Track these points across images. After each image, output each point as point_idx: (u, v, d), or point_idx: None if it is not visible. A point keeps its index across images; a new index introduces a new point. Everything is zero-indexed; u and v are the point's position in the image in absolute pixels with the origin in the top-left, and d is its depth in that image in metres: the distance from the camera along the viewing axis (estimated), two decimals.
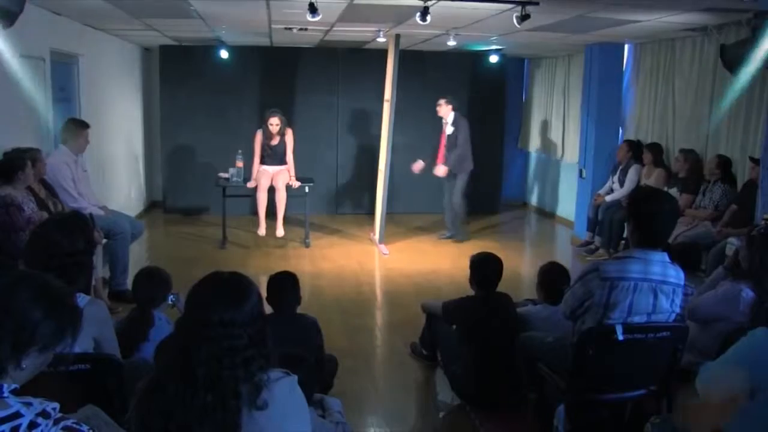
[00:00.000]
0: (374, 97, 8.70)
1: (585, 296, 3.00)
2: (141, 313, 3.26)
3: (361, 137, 9.48)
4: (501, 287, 3.95)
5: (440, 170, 7.70)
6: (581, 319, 3.07)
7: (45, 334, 1.55)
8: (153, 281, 3.37)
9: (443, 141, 7.89)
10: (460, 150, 7.72)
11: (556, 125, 9.56)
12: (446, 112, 7.80)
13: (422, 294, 5.84)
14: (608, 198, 7.42)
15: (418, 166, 7.75)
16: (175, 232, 8.52)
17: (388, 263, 7.23)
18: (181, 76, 9.28)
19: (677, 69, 6.98)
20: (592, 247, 7.52)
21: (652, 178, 6.98)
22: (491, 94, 9.94)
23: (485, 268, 3.92)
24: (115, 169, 8.19)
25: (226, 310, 1.66)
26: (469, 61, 9.66)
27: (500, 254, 4.01)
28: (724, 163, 6.13)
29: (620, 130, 8.11)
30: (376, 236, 7.86)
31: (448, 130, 7.83)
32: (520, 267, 6.89)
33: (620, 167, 7.47)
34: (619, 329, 2.90)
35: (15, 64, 5.12)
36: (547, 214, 10.08)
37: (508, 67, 10.06)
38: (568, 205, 9.04)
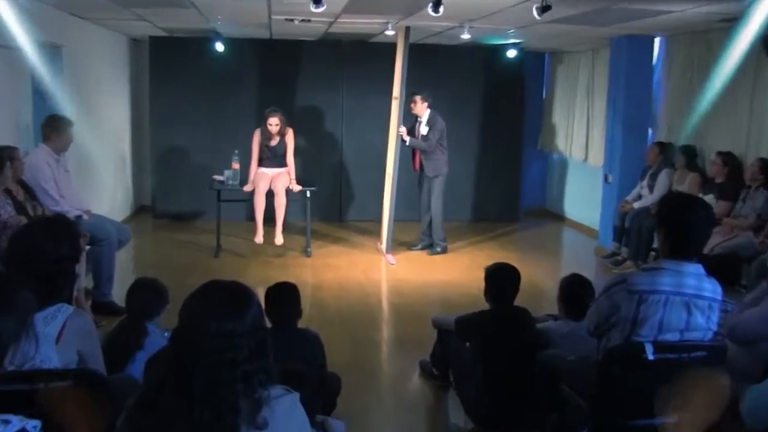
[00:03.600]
0: (381, 94, 8.71)
1: (611, 311, 2.99)
2: (133, 323, 3.29)
3: (367, 138, 9.51)
4: (519, 301, 3.95)
5: (402, 130, 7.62)
6: (607, 336, 3.06)
7: (9, 331, 1.50)
8: (150, 292, 3.42)
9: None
10: (430, 152, 7.70)
11: (580, 125, 9.56)
12: (421, 109, 7.76)
13: (433, 308, 5.85)
14: (636, 205, 7.41)
15: (403, 131, 7.68)
16: (164, 238, 8.56)
17: (396, 274, 7.24)
18: (172, 70, 9.33)
19: (713, 63, 6.96)
20: (619, 258, 7.50)
21: (686, 183, 6.97)
22: (509, 92, 9.95)
23: (501, 279, 3.92)
24: (100, 170, 8.22)
25: (226, 320, 1.67)
26: (484, 55, 9.68)
27: (518, 265, 4.01)
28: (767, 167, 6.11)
29: (650, 131, 8.10)
30: (383, 245, 7.88)
31: (423, 130, 7.81)
32: (540, 279, 6.88)
33: (650, 171, 7.46)
34: (648, 347, 2.88)
35: None
36: (569, 222, 10.08)
37: (527, 62, 10.06)
38: (592, 212, 9.02)
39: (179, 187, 9.45)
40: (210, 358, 1.64)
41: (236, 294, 1.75)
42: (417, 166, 7.97)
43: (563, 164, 10.40)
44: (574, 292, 3.89)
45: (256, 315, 1.73)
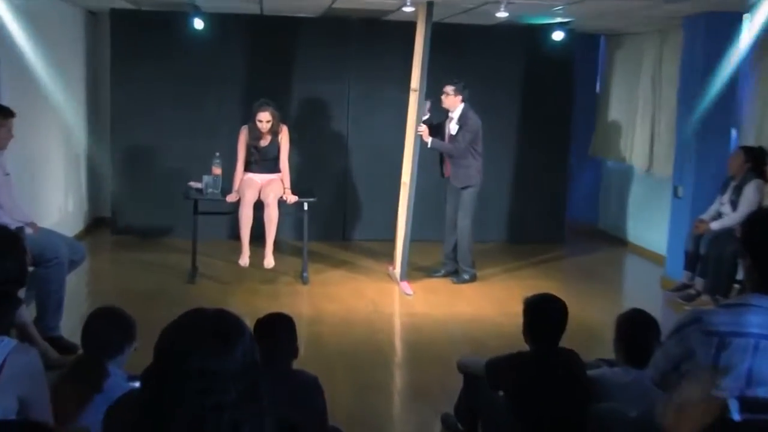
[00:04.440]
0: (397, 85, 8.76)
1: (682, 356, 2.97)
2: (90, 362, 3.30)
3: (379, 138, 9.55)
4: (566, 342, 3.95)
5: (422, 129, 7.63)
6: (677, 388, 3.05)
7: None
8: (113, 324, 3.43)
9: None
10: (458, 157, 7.76)
11: (643, 126, 9.55)
12: (453, 103, 7.81)
13: (458, 348, 5.87)
14: (715, 225, 7.39)
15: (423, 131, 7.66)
16: (127, 259, 8.60)
17: (412, 306, 7.29)
18: (140, 52, 9.36)
19: None
20: (692, 291, 7.46)
21: None
22: (554, 84, 9.98)
23: (544, 314, 3.93)
24: (47, 174, 8.27)
25: (211, 357, 1.68)
26: (524, 38, 9.72)
27: (564, 297, 4.01)
28: None
29: (733, 133, 8.07)
30: (397, 270, 7.90)
31: (452, 128, 7.86)
32: (592, 315, 6.89)
33: (733, 183, 7.43)
34: (733, 405, 2.86)
35: None
36: (628, 245, 10.08)
37: (578, 46, 10.09)
38: (657, 233, 9.01)
39: (146, 195, 9.48)
40: (191, 404, 1.65)
41: (224, 324, 1.75)
42: (448, 171, 8.02)
43: (621, 174, 10.39)
44: (636, 332, 3.88)
45: (248, 350, 1.73)
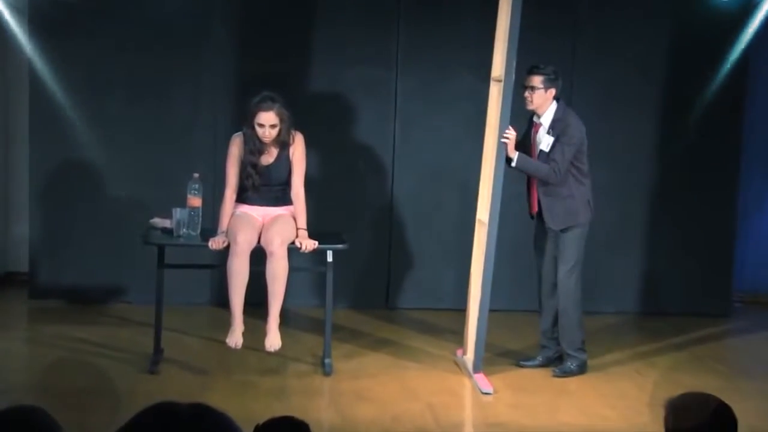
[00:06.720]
0: (470, 71, 8.88)
1: None
2: None
3: (442, 152, 9.65)
4: None
5: (508, 137, 7.61)
6: None
7: None
8: None
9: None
10: (554, 182, 7.72)
11: None
12: (542, 102, 7.79)
13: None
14: None
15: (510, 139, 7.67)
16: (52, 336, 8.63)
17: (492, 412, 7.28)
18: (73, 19, 9.38)
19: None
20: None
21: None
22: (716, 70, 9.91)
23: (697, 425, 3.75)
24: None
25: None
26: (666, 1, 9.74)
27: (730, 400, 3.82)
28: None
29: None
30: (469, 356, 7.90)
31: (542, 141, 7.82)
32: None
33: None
34: None
35: None
36: None
37: (754, 13, 9.92)
38: None
39: (82, 240, 9.53)
40: None
41: (207, 427, 1.81)
42: (536, 206, 8.00)
43: None
44: None
45: None
